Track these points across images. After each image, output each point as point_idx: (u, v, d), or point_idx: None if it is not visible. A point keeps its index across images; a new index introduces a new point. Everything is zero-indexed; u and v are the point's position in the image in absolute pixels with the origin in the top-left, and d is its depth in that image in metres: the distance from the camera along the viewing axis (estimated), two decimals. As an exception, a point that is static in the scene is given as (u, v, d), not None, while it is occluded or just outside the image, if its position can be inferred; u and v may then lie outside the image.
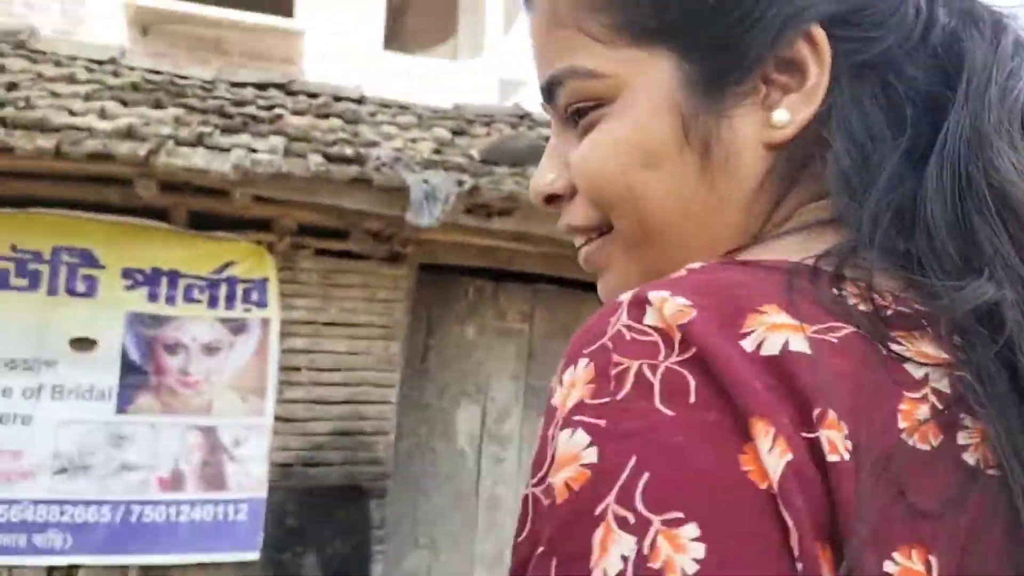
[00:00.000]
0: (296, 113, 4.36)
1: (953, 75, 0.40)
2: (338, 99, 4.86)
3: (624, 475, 0.31)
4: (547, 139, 0.50)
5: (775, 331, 0.33)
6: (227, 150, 3.41)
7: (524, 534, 0.34)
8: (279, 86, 4.97)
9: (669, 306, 0.34)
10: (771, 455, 0.31)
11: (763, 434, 0.31)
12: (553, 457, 0.33)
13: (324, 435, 3.74)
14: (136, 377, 3.39)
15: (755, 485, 0.30)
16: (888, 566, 0.30)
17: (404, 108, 5.01)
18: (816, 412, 0.31)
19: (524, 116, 5.17)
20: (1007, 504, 0.32)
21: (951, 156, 0.38)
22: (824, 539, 0.30)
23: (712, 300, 0.35)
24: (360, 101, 4.94)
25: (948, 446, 0.32)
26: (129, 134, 3.29)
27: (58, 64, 4.21)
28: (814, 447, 0.31)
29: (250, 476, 3.40)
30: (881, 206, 0.38)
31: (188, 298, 3.53)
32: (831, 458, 0.31)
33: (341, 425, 3.76)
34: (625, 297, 0.36)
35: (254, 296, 3.62)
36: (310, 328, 3.78)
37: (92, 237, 3.42)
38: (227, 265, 3.59)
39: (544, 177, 0.47)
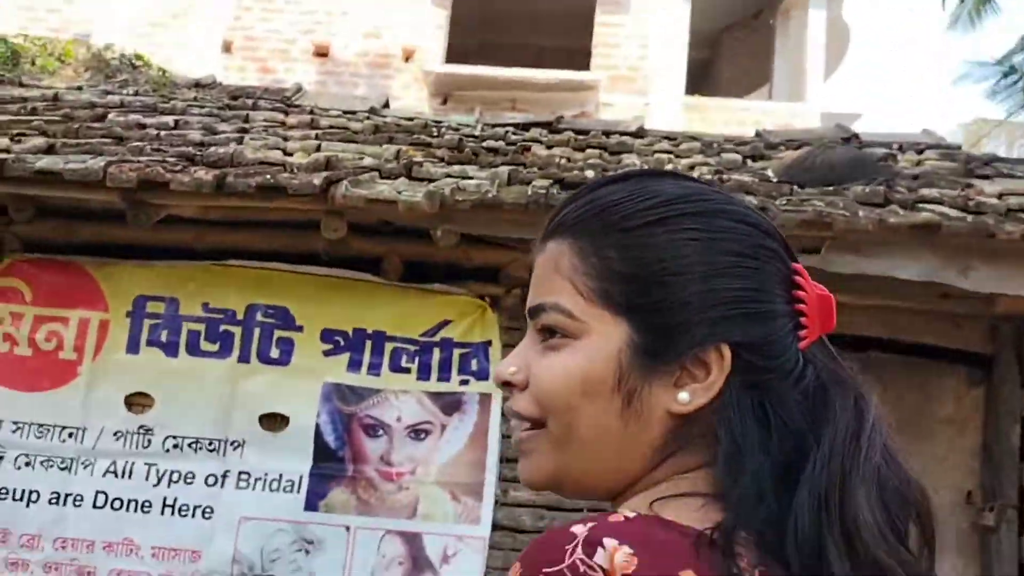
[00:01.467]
0: (551, 146, 3.61)
1: (819, 419, 0.57)
2: (609, 133, 4.05)
3: None
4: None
5: None
6: (436, 180, 2.71)
7: None
8: (544, 124, 4.28)
9: (620, 554, 0.49)
10: None
11: None
12: None
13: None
14: (330, 465, 2.73)
15: None
16: None
17: (693, 139, 4.07)
18: None
19: (849, 139, 3.96)
20: None
21: (817, 484, 0.53)
22: None
23: (649, 556, 0.49)
24: (638, 134, 4.09)
25: None
26: (326, 166, 2.72)
27: (311, 113, 3.89)
28: None
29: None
30: (754, 498, 0.53)
31: (394, 366, 2.83)
32: None
33: (586, 540, 2.78)
34: (580, 531, 0.50)
35: (472, 365, 2.82)
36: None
37: (291, 293, 2.88)
38: (442, 325, 2.85)
39: (508, 367, 0.62)
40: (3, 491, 2.79)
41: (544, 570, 0.48)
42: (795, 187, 2.88)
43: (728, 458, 0.56)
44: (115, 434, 2.81)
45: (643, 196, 0.61)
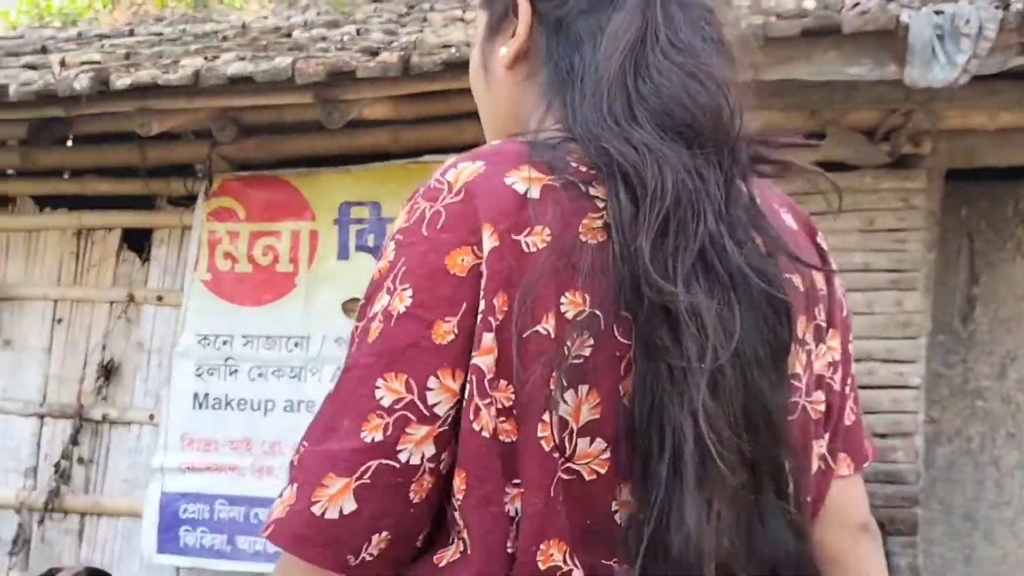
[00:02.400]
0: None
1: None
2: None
3: (395, 268, 0.57)
4: None
5: (523, 180, 0.57)
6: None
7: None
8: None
9: (467, 169, 0.59)
10: (488, 242, 0.55)
11: (487, 233, 0.55)
12: (381, 255, 0.60)
13: (808, 435, 2.52)
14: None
15: (450, 271, 0.56)
16: (563, 301, 0.55)
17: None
18: (528, 228, 0.55)
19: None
20: (616, 262, 0.55)
21: (608, 80, 0.61)
22: (508, 287, 0.55)
23: (491, 165, 0.58)
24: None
25: (605, 241, 0.56)
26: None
27: None
28: (517, 243, 0.55)
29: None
30: (576, 111, 0.61)
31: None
32: (530, 250, 0.55)
33: (833, 420, 2.51)
34: (447, 163, 0.61)
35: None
36: (775, 279, 2.60)
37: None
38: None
39: None
40: (242, 402, 2.92)
41: (418, 190, 0.60)
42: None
43: (551, 85, 0.66)
44: (336, 340, 2.85)
45: None
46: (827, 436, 0.70)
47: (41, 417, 3.08)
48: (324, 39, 3.34)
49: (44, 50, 3.83)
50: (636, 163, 0.57)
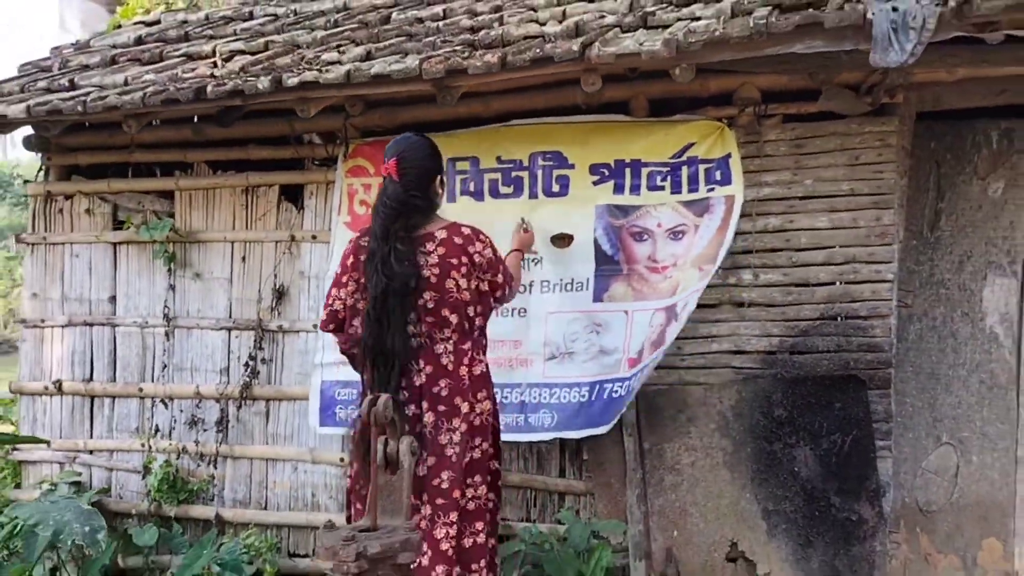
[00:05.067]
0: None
1: None
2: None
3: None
4: None
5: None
6: (669, 26, 3.24)
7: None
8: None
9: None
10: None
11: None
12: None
13: (809, 320, 3.40)
14: (608, 267, 3.51)
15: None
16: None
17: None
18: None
19: None
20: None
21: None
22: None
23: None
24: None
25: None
26: (576, 32, 3.34)
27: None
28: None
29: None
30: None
31: (651, 186, 3.50)
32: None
33: (828, 308, 3.37)
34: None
35: (717, 175, 3.42)
36: (783, 205, 3.43)
37: (562, 140, 3.59)
38: (687, 147, 3.45)
39: None
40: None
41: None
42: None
43: None
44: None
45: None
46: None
47: (229, 330, 4.08)
48: (420, 20, 4.15)
49: (187, 37, 4.71)
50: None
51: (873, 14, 2.82)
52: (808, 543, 3.28)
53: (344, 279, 2.79)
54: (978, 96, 3.35)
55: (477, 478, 2.74)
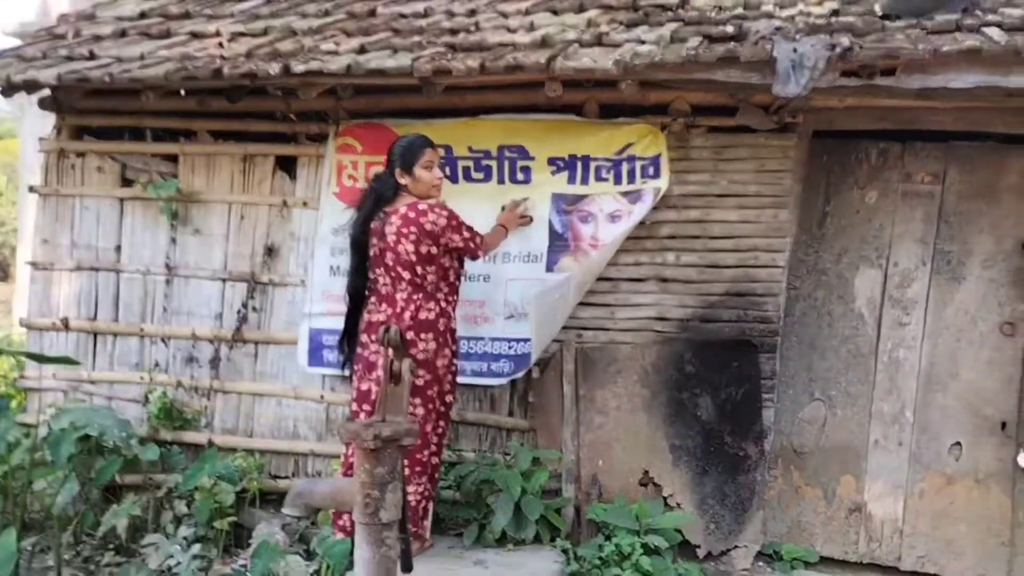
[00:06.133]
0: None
1: None
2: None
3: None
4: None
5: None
6: (619, 46, 3.94)
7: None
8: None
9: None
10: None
11: None
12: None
13: (717, 295, 4.17)
14: (559, 243, 4.22)
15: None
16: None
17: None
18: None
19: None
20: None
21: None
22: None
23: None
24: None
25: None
26: (543, 44, 4.02)
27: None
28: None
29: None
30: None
31: (598, 177, 4.21)
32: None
33: (733, 287, 4.16)
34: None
35: (650, 171, 4.15)
36: (703, 200, 4.19)
37: (525, 135, 4.27)
38: (627, 146, 4.17)
39: None
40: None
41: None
42: (886, 22, 3.86)
43: None
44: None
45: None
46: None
47: (224, 281, 4.65)
48: (403, 16, 4.77)
49: (188, 15, 5.21)
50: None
51: (777, 53, 3.58)
52: (704, 472, 4.09)
53: None
54: (863, 121, 4.15)
55: (417, 400, 3.53)
